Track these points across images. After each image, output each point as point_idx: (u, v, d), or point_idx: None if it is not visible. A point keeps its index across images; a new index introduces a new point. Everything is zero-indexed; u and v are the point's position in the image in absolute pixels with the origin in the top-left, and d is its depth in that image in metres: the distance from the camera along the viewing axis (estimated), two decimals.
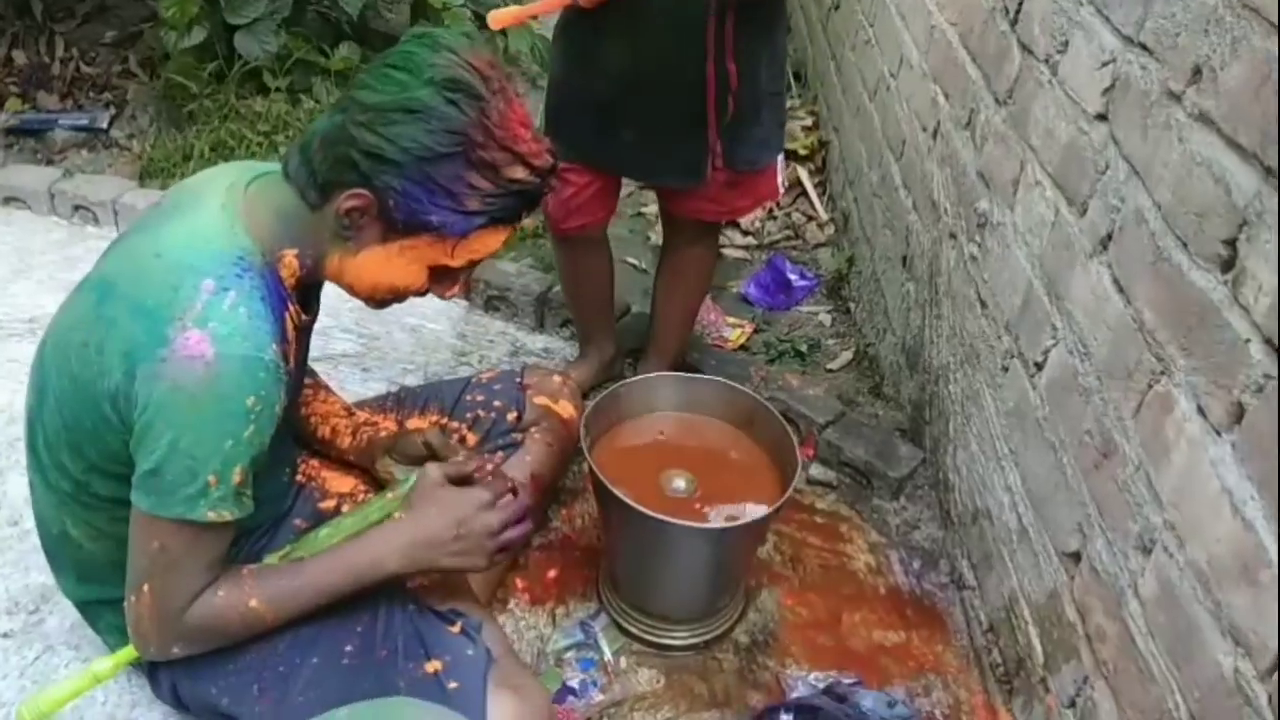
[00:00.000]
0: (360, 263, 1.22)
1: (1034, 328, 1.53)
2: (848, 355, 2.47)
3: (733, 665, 1.65)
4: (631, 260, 2.74)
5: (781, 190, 1.93)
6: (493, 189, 1.16)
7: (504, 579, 1.72)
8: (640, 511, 1.44)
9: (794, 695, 1.56)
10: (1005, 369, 1.64)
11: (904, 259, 2.22)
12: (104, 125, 3.13)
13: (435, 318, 2.37)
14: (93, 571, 1.34)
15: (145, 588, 1.18)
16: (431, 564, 1.28)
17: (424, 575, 1.35)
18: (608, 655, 1.62)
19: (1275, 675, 0.93)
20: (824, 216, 3.00)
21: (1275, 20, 0.98)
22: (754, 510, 1.56)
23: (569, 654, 1.62)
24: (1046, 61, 1.55)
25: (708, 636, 1.66)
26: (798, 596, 1.77)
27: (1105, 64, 1.36)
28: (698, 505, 1.58)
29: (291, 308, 1.22)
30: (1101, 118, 1.37)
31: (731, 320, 2.54)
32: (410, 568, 1.28)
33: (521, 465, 1.65)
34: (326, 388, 1.65)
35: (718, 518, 1.57)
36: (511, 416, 1.70)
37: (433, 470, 1.31)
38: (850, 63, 2.88)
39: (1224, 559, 1.02)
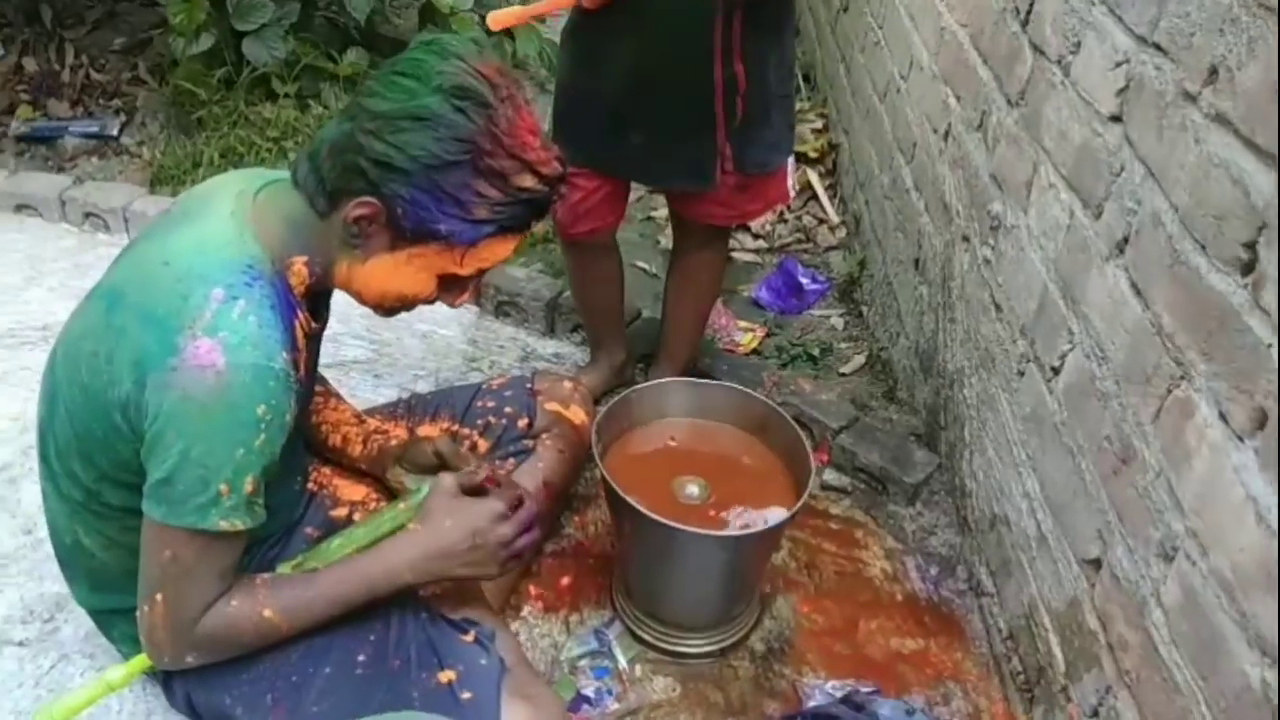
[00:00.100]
0: (369, 271, 1.21)
1: (1050, 332, 1.52)
2: (860, 359, 2.46)
3: (749, 673, 1.64)
4: (642, 265, 2.73)
5: (792, 193, 1.92)
6: (501, 197, 1.15)
7: (517, 586, 1.72)
8: (653, 519, 1.43)
9: (811, 704, 1.55)
10: (1021, 373, 1.62)
11: (916, 262, 2.21)
12: (114, 132, 3.14)
13: (446, 323, 2.37)
14: (105, 580, 1.34)
15: (158, 597, 1.17)
16: (445, 574, 1.29)
17: (436, 583, 1.34)
18: (622, 663, 1.61)
19: None
20: (835, 219, 2.99)
21: None
22: (768, 517, 1.55)
23: (583, 662, 1.61)
24: (1059, 62, 1.54)
25: (723, 644, 1.65)
26: (813, 603, 1.76)
27: (1119, 64, 1.35)
28: (711, 512, 1.57)
29: (301, 315, 1.22)
30: (1116, 119, 1.35)
31: (743, 324, 2.53)
32: (424, 578, 1.28)
33: (533, 472, 1.65)
34: (337, 395, 1.65)
35: (731, 524, 1.56)
36: (523, 423, 1.69)
37: (447, 480, 1.30)
38: (859, 65, 2.87)
39: (1248, 567, 1.00)
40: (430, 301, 1.28)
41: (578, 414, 1.74)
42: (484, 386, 1.75)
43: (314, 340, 1.33)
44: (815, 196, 3.06)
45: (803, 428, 1.73)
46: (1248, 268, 1.03)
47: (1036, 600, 1.54)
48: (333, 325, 1.40)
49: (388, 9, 3.42)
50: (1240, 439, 1.03)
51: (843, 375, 2.41)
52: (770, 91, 1.74)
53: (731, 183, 1.78)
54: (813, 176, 3.08)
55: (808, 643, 1.69)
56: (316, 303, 1.30)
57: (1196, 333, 1.12)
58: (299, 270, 1.20)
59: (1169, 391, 1.18)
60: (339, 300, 1.34)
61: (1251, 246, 1.02)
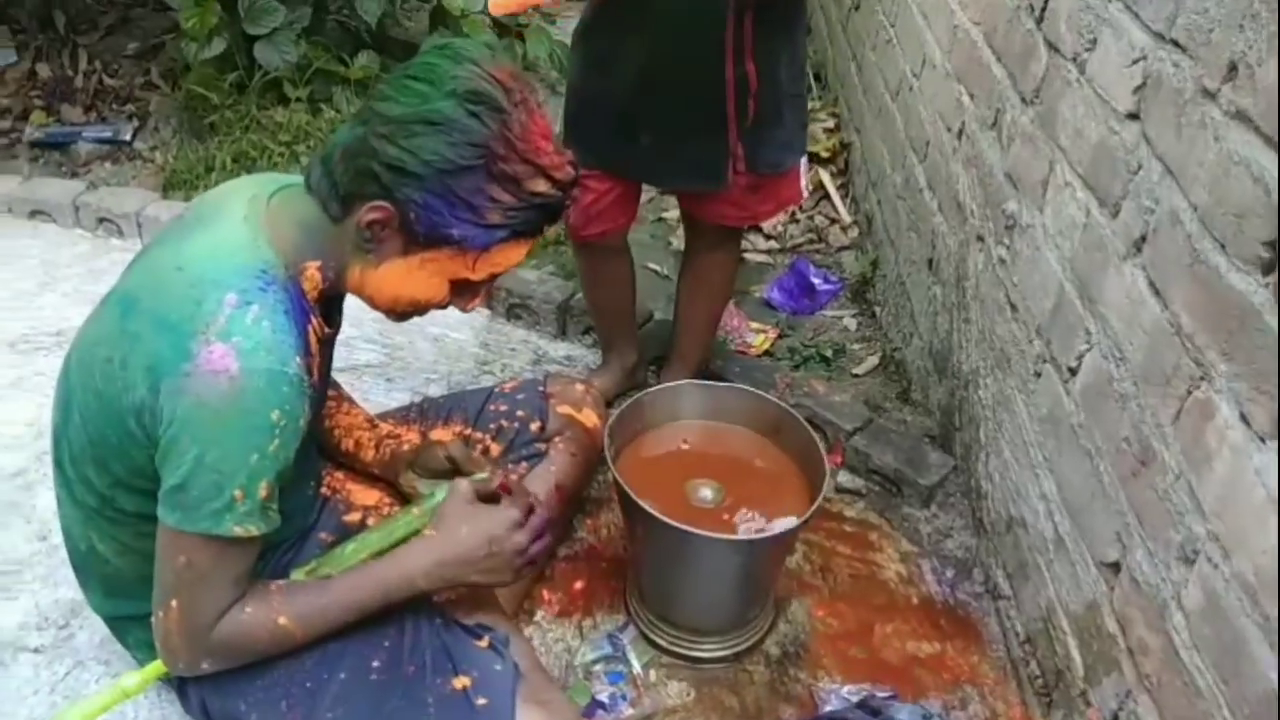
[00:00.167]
0: (381, 275, 1.21)
1: (1066, 332, 1.50)
2: (874, 360, 2.45)
3: (764, 678, 1.63)
4: (653, 266, 2.73)
5: (805, 193, 1.90)
6: (514, 202, 1.15)
7: (530, 590, 1.71)
8: (667, 523, 1.42)
9: (827, 708, 1.54)
10: (1037, 374, 1.61)
11: (930, 262, 2.19)
12: (127, 137, 3.15)
13: (458, 327, 2.37)
14: (120, 587, 1.34)
15: (173, 603, 1.17)
16: (460, 581, 1.29)
17: (450, 589, 1.34)
18: (637, 668, 1.60)
19: None
20: (847, 219, 2.98)
21: None
22: (782, 520, 1.54)
23: (597, 667, 1.61)
24: (1074, 60, 1.52)
25: (738, 648, 1.64)
26: (828, 607, 1.74)
27: (1135, 61, 1.33)
28: (725, 515, 1.56)
29: (314, 320, 1.22)
30: (1133, 116, 1.34)
31: (755, 326, 2.52)
32: (439, 585, 1.28)
33: (546, 475, 1.64)
34: (349, 399, 1.65)
35: (745, 528, 1.55)
36: (535, 426, 1.69)
37: (463, 487, 1.30)
38: (871, 63, 2.86)
39: (1271, 571, 0.99)
40: (442, 306, 1.27)
41: (590, 417, 1.74)
42: (496, 390, 1.74)
43: (327, 345, 1.33)
44: (827, 196, 3.05)
45: (816, 430, 1.72)
46: (1269, 267, 1.01)
47: (1054, 603, 1.53)
48: (345, 329, 1.40)
49: (398, 12, 3.42)
50: (1262, 440, 1.01)
51: (856, 376, 2.40)
52: (782, 91, 1.72)
53: (744, 183, 1.77)
54: (825, 176, 3.07)
55: (823, 646, 1.68)
56: (329, 307, 1.30)
57: (1217, 333, 1.11)
58: (312, 275, 1.20)
59: (1189, 392, 1.16)
60: (351, 304, 1.34)
61: (1272, 245, 1.01)
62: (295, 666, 1.27)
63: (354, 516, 1.48)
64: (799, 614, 1.73)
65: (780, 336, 2.51)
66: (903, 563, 1.85)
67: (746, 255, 2.74)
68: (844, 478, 2.01)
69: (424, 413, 1.71)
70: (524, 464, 1.66)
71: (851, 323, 2.61)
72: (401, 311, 1.27)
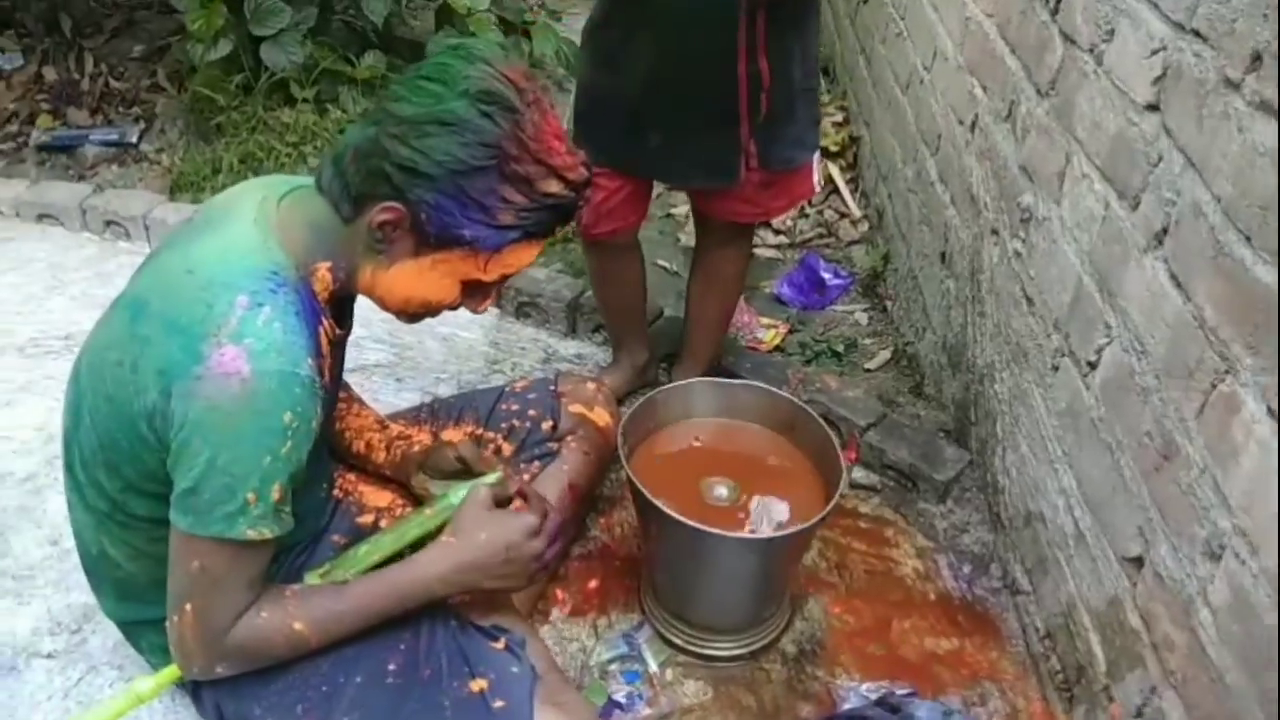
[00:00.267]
0: (393, 276, 1.20)
1: (1086, 325, 1.48)
2: (886, 354, 2.43)
3: (781, 676, 1.61)
4: (662, 263, 2.71)
5: (817, 189, 1.89)
6: (526, 203, 1.14)
7: (545, 591, 1.70)
8: (683, 523, 1.41)
9: (846, 706, 1.53)
10: (1055, 368, 1.59)
11: (943, 255, 2.17)
12: (134, 140, 3.15)
13: (467, 326, 2.36)
14: (133, 591, 1.33)
15: (187, 607, 1.16)
16: (476, 586, 1.28)
17: (466, 592, 1.33)
18: (653, 667, 1.59)
19: None
20: (857, 213, 2.96)
21: None
22: (799, 517, 1.53)
23: (613, 666, 1.60)
24: (1091, 51, 1.51)
25: (754, 647, 1.62)
26: (845, 604, 1.73)
27: (1155, 52, 1.32)
28: (740, 514, 1.55)
29: (326, 322, 1.21)
30: (1152, 108, 1.32)
31: (765, 321, 2.50)
32: (455, 590, 1.28)
33: (559, 475, 1.63)
34: (360, 401, 1.64)
35: (759, 514, 1.54)
36: (547, 425, 1.68)
37: (481, 493, 1.29)
38: (880, 56, 2.84)
39: None
40: (454, 307, 1.26)
41: (602, 415, 1.73)
42: (507, 389, 1.73)
43: (338, 346, 1.32)
44: (836, 190, 3.03)
45: (830, 425, 1.70)
46: None
47: (1075, 599, 1.51)
48: (354, 329, 1.39)
49: (404, 11, 3.41)
50: None
51: (868, 371, 2.38)
52: (795, 86, 1.71)
53: (756, 179, 1.75)
54: (834, 170, 3.05)
55: (840, 644, 1.67)
56: (340, 308, 1.29)
57: (1242, 326, 1.09)
58: (323, 276, 1.19)
59: (1213, 386, 1.14)
60: (360, 304, 1.33)
61: None
62: (311, 670, 1.26)
63: (367, 518, 1.47)
64: (815, 611, 1.72)
65: (791, 332, 2.50)
66: (919, 558, 1.83)
67: (756, 250, 2.72)
68: (858, 473, 1.99)
69: (435, 413, 1.70)
70: (536, 463, 1.65)
71: (862, 317, 2.59)
72: (413, 313, 1.27)
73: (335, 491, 1.49)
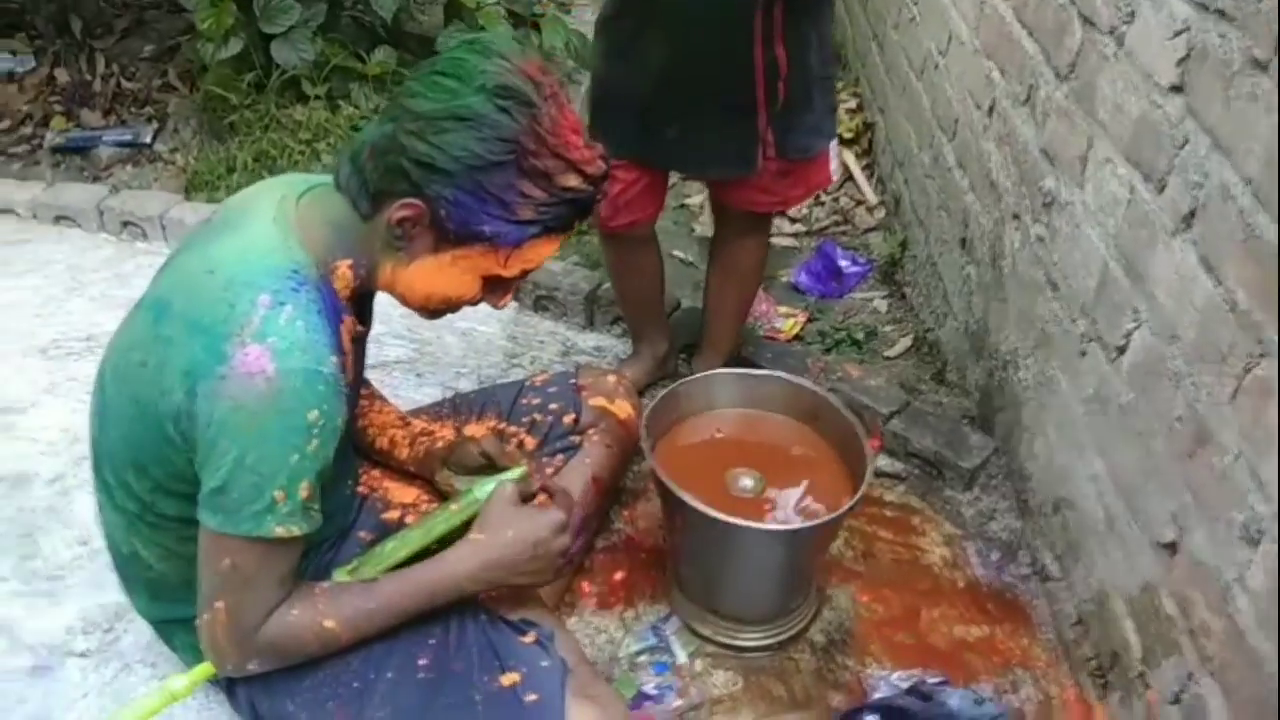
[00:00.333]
0: (413, 273, 1.20)
1: (1113, 310, 1.47)
2: (906, 342, 2.42)
3: (810, 665, 1.61)
4: (678, 254, 2.71)
5: (835, 176, 1.88)
6: (545, 198, 1.13)
7: (571, 584, 1.70)
8: (711, 516, 1.40)
9: (876, 695, 1.52)
10: (1082, 353, 1.58)
11: (962, 241, 2.16)
12: (147, 140, 3.15)
13: (485, 320, 2.36)
14: (164, 591, 1.34)
15: (218, 605, 1.17)
16: (504, 582, 1.28)
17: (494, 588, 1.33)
18: (681, 659, 1.59)
19: None
20: (873, 200, 2.94)
21: None
22: (825, 507, 1.52)
23: (642, 658, 1.60)
24: (1111, 33, 1.49)
25: (782, 637, 1.62)
26: (873, 593, 1.73)
27: (1178, 33, 1.30)
28: (766, 505, 1.55)
29: (347, 319, 1.21)
30: (1176, 90, 1.31)
31: (783, 310, 2.49)
32: (484, 587, 1.28)
33: (581, 468, 1.63)
34: (382, 397, 1.64)
35: (787, 516, 1.54)
36: (569, 419, 1.68)
37: (507, 490, 1.29)
38: (893, 42, 2.82)
39: None
40: (474, 303, 1.26)
41: (623, 408, 1.72)
42: (528, 383, 1.73)
43: (360, 343, 1.32)
44: (852, 177, 3.01)
45: (852, 414, 1.69)
46: None
47: (1107, 585, 1.50)
48: (374, 326, 1.39)
49: (413, 5, 3.40)
50: None
51: (888, 359, 2.38)
52: (812, 74, 1.69)
53: (773, 169, 1.74)
54: (849, 157, 3.04)
55: (869, 633, 1.66)
56: (361, 306, 1.29)
57: (1275, 309, 1.08)
58: (343, 274, 1.19)
59: (1246, 370, 1.14)
60: (379, 300, 1.33)
61: None
62: (342, 666, 1.26)
63: (392, 514, 1.47)
64: (843, 601, 1.71)
65: (809, 320, 2.49)
66: (946, 546, 1.83)
67: (772, 239, 2.69)
68: (883, 462, 1.99)
69: (456, 408, 1.70)
70: (559, 457, 1.65)
71: (881, 304, 2.58)
72: (434, 309, 1.26)
73: (360, 488, 1.49)
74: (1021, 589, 1.75)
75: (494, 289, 1.24)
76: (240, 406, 1.08)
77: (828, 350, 2.37)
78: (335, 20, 3.07)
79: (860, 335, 2.42)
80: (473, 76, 1.10)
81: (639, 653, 1.61)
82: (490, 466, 1.42)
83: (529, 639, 1.31)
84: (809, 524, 1.49)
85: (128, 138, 3.14)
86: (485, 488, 1.33)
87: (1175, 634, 1.31)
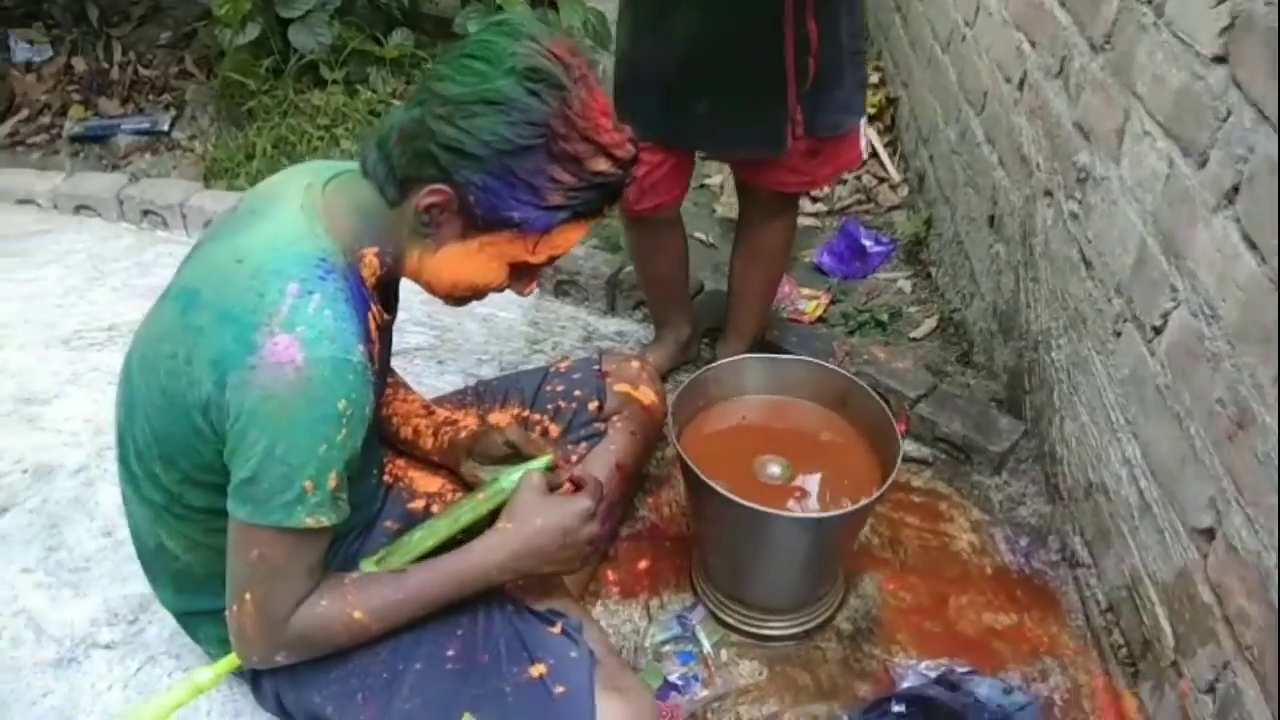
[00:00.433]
0: (440, 260, 1.18)
1: (1150, 289, 1.43)
2: (931, 323, 2.38)
3: (836, 654, 1.59)
4: (700, 235, 2.67)
5: (864, 155, 1.83)
6: (575, 182, 1.11)
7: (596, 572, 1.69)
8: (740, 504, 1.38)
9: (904, 684, 1.50)
10: (1117, 334, 1.54)
11: (991, 219, 2.11)
12: (165, 127, 3.15)
13: (506, 306, 2.34)
14: (190, 583, 1.33)
15: (247, 596, 1.16)
16: (533, 572, 1.27)
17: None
18: (707, 648, 1.58)
19: None
20: (896, 178, 2.90)
21: None
22: (855, 494, 1.50)
23: (667, 647, 1.58)
24: (1150, 2, 1.44)
25: (808, 626, 1.60)
26: (900, 580, 1.70)
27: (1221, 1, 1.25)
28: (796, 492, 1.52)
29: (374, 307, 1.19)
30: (1220, 60, 1.26)
31: (806, 292, 2.46)
32: (513, 577, 1.27)
33: (606, 455, 1.61)
34: (405, 385, 1.63)
35: (816, 504, 1.52)
36: (593, 406, 1.65)
37: (534, 479, 1.27)
38: (918, 13, 2.76)
39: None
40: (500, 290, 1.24)
41: (647, 394, 1.70)
42: (551, 370, 1.71)
43: (385, 331, 1.31)
44: (875, 154, 2.96)
45: (879, 398, 1.66)
46: None
47: (1140, 571, 1.47)
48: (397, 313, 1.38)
49: None
50: None
51: (914, 340, 2.34)
52: (843, 49, 1.65)
53: (802, 148, 1.70)
54: (871, 134, 2.98)
55: (896, 621, 1.64)
56: (386, 293, 1.28)
57: None
58: (370, 261, 1.18)
59: None
60: (401, 287, 1.31)
61: None
62: (370, 657, 1.25)
63: (418, 504, 1.46)
64: (869, 588, 1.69)
65: (833, 302, 2.46)
66: (974, 532, 1.80)
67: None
68: (910, 446, 1.95)
69: (480, 396, 1.69)
70: (583, 444, 1.63)
71: (906, 285, 2.54)
72: (459, 296, 1.25)
73: (385, 477, 1.48)
74: (1050, 575, 1.72)
75: (520, 275, 1.22)
76: (270, 396, 1.07)
77: (851, 332, 2.34)
78: (351, 3, 3.05)
79: (884, 316, 2.39)
80: (502, 59, 1.07)
81: (664, 642, 1.59)
82: (515, 455, 1.41)
83: (556, 630, 1.30)
84: (840, 512, 1.47)
85: (146, 125, 3.14)
86: (511, 477, 1.31)
87: (1211, 622, 1.27)
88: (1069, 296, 1.72)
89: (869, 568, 1.72)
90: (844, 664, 1.58)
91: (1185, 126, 1.34)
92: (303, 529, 1.12)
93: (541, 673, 1.23)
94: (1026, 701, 1.45)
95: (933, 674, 1.51)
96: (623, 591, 1.69)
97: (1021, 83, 1.94)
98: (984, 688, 1.46)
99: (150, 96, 3.32)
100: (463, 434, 1.51)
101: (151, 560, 1.37)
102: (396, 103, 3.03)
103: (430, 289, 1.24)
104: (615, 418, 1.66)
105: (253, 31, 2.88)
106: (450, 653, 1.26)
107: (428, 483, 1.50)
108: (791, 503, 1.51)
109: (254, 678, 1.34)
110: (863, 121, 1.79)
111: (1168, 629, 1.39)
